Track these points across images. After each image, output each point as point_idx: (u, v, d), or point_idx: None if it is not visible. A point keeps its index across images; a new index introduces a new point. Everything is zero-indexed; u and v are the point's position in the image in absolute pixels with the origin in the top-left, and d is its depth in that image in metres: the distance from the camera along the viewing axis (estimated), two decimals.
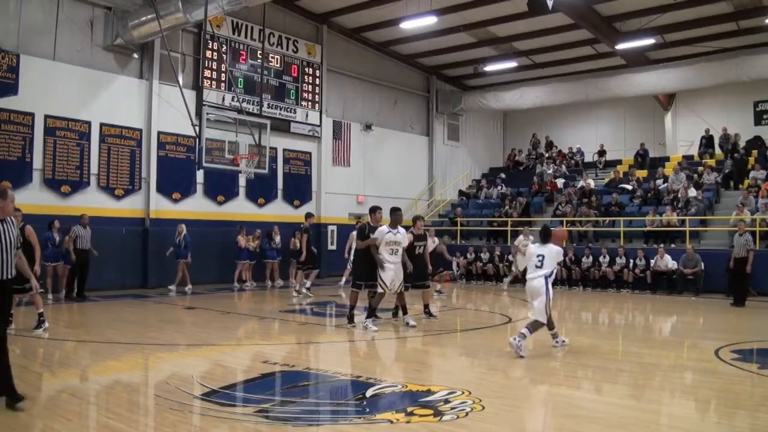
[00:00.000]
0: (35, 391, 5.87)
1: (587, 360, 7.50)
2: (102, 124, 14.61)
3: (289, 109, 18.42)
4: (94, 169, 14.45)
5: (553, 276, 7.68)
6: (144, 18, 14.13)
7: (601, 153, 23.16)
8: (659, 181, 19.19)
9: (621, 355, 8.35)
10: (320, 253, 18.53)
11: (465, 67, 23.05)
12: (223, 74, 16.64)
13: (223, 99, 16.58)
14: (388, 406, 5.26)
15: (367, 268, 9.32)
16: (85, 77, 14.31)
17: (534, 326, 7.48)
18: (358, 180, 20.79)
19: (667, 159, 21.45)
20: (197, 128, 13.25)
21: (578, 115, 25.27)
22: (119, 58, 15.00)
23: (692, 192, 17.49)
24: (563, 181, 21.85)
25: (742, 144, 19.81)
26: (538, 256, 7.58)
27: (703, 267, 14.99)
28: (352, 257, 12.60)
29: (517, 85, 22.69)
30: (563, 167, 22.97)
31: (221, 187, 16.76)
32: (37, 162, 13.52)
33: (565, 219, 18.34)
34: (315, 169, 19.50)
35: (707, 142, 20.89)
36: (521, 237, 15.80)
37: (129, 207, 15.06)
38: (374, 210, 9.66)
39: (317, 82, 19.23)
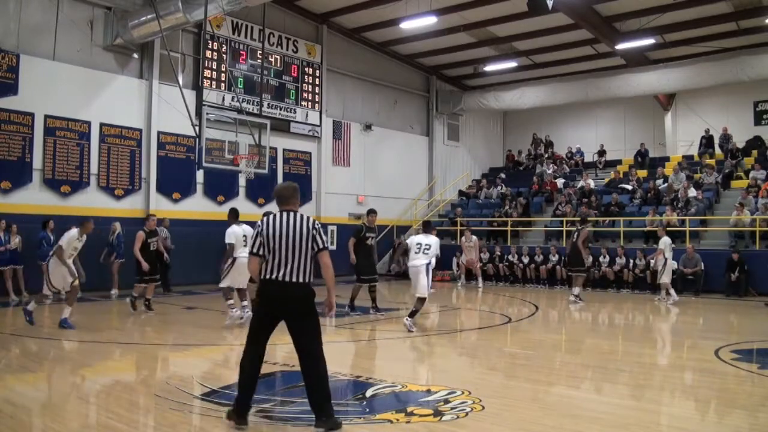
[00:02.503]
0: (35, 391, 5.88)
1: (587, 360, 7.51)
2: (102, 124, 14.60)
3: (289, 109, 18.42)
4: (94, 169, 14.44)
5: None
6: (144, 18, 14.12)
7: (601, 153, 23.16)
8: (659, 181, 19.18)
9: (621, 355, 8.35)
10: None
11: (465, 67, 23.05)
12: (223, 74, 16.64)
13: (223, 99, 16.57)
14: (388, 406, 5.27)
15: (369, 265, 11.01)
16: (85, 77, 14.30)
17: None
18: (358, 180, 20.78)
19: (667, 159, 21.44)
20: (197, 128, 13.25)
21: (578, 115, 25.26)
22: (119, 58, 15.00)
23: (692, 192, 17.48)
24: (563, 181, 21.85)
25: (741, 144, 19.80)
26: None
27: (703, 267, 14.99)
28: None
29: (517, 85, 22.68)
30: (564, 167, 22.97)
31: (221, 187, 16.75)
32: (37, 162, 13.51)
33: (565, 219, 18.35)
34: (315, 169, 19.49)
35: (707, 142, 20.89)
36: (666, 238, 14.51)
37: (129, 207, 15.05)
38: (369, 212, 11.28)
39: (317, 82, 19.23)
